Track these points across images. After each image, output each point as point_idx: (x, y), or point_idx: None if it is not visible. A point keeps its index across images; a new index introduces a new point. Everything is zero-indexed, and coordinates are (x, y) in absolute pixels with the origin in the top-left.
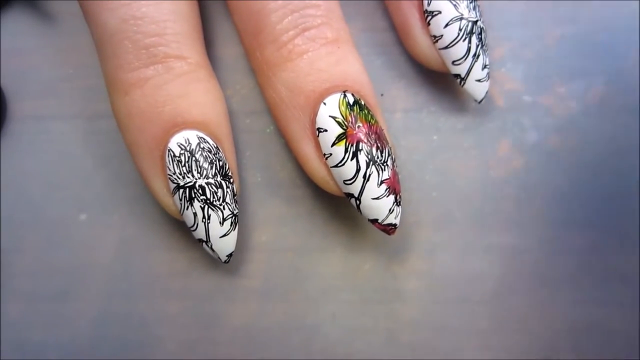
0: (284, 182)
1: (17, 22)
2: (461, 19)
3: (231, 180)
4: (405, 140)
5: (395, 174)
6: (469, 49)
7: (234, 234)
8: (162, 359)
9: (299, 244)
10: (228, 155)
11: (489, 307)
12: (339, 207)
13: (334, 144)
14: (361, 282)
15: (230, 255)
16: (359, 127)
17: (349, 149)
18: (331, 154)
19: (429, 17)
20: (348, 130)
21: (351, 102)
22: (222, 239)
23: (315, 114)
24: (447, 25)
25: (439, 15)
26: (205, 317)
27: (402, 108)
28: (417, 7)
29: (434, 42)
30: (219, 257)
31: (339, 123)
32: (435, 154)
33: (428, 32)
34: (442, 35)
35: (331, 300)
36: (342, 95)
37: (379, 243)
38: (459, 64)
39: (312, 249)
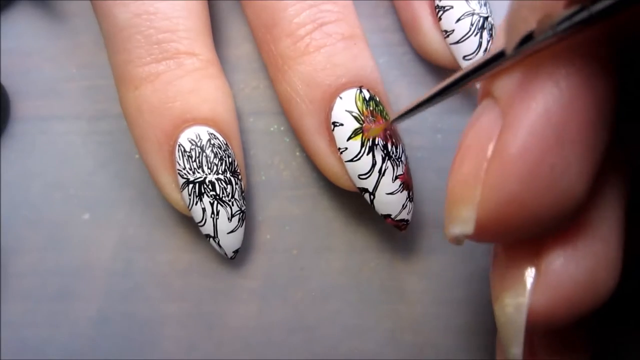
0: (288, 181)
1: (19, 22)
2: (473, 14)
3: (239, 176)
4: (409, 140)
5: (408, 169)
6: (480, 44)
7: (241, 230)
8: (162, 359)
9: (302, 243)
10: (236, 152)
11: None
12: (343, 206)
13: (349, 139)
14: (363, 282)
15: (236, 252)
16: (374, 122)
17: (365, 144)
18: (347, 148)
19: (440, 12)
20: (364, 125)
21: (367, 98)
22: (230, 235)
23: (331, 109)
24: (458, 20)
25: (451, 10)
26: (205, 317)
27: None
28: (428, 3)
29: (445, 38)
30: (225, 253)
31: (355, 117)
32: (438, 153)
33: (439, 27)
34: (453, 30)
35: (333, 299)
36: (359, 91)
37: (382, 243)
38: (471, 59)
39: (315, 248)
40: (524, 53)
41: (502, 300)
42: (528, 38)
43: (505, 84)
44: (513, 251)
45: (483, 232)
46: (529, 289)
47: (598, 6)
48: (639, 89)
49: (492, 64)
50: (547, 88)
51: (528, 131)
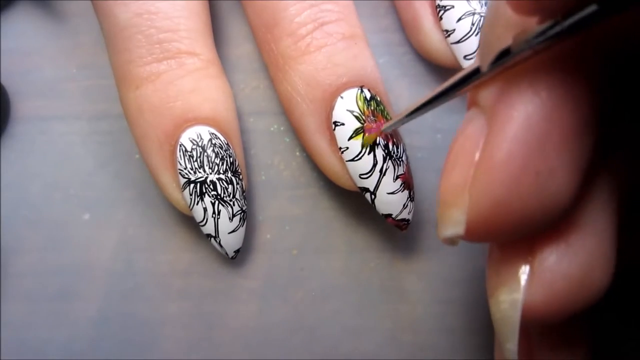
0: (288, 180)
1: (19, 22)
2: (474, 13)
3: (240, 176)
4: (409, 139)
5: (409, 169)
6: None
7: (242, 230)
8: (162, 359)
9: (302, 243)
10: (237, 152)
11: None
12: (343, 206)
13: (350, 138)
14: (363, 282)
15: (237, 251)
16: (375, 121)
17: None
18: (347, 148)
19: (441, 12)
20: (365, 124)
21: (368, 98)
22: (231, 235)
23: (332, 108)
24: (459, 19)
25: (452, 9)
26: (205, 317)
27: (406, 107)
28: (429, 2)
29: (446, 37)
30: (226, 253)
31: (356, 117)
32: (438, 153)
33: (440, 26)
34: (454, 30)
35: (333, 299)
36: (359, 90)
37: (382, 242)
38: (472, 59)
39: (315, 248)
40: (499, 69)
41: (497, 296)
42: (504, 54)
43: (489, 94)
44: (507, 249)
45: (473, 234)
46: (523, 286)
47: (569, 21)
48: (629, 92)
49: (469, 80)
50: (528, 97)
51: (511, 139)
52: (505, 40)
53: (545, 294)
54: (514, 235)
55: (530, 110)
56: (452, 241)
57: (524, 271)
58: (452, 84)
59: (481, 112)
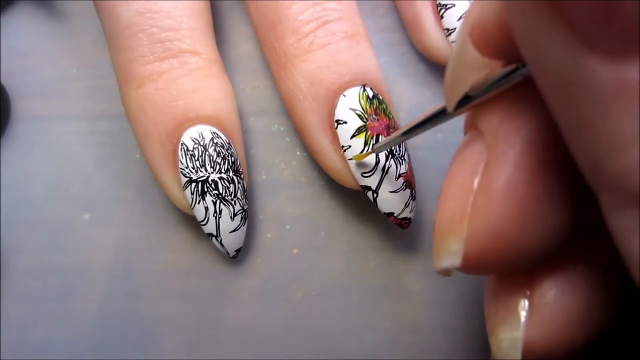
0: (288, 180)
1: (19, 22)
2: None
3: (242, 175)
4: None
5: (411, 168)
6: None
7: (243, 229)
8: (162, 359)
9: (302, 242)
10: (238, 151)
11: None
12: (343, 206)
13: (353, 136)
14: (363, 282)
15: (238, 251)
16: (378, 120)
17: (369, 141)
18: (350, 146)
19: (442, 10)
20: (368, 123)
21: (370, 96)
22: (232, 234)
23: (334, 107)
24: (460, 18)
25: (453, 8)
26: (205, 317)
27: (406, 106)
28: (430, 2)
29: (447, 36)
30: (227, 252)
31: (359, 115)
32: (438, 152)
33: (441, 25)
34: (455, 29)
35: (333, 299)
36: (362, 89)
37: (382, 242)
38: None
39: (316, 248)
40: (464, 109)
41: (497, 334)
42: (467, 98)
43: (489, 118)
44: (505, 282)
45: (471, 265)
46: (522, 323)
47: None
48: None
49: (436, 119)
50: (532, 123)
51: (513, 165)
52: (470, 80)
53: (545, 331)
54: (513, 267)
55: (534, 135)
56: (446, 272)
57: (523, 307)
58: (420, 122)
59: (480, 136)
